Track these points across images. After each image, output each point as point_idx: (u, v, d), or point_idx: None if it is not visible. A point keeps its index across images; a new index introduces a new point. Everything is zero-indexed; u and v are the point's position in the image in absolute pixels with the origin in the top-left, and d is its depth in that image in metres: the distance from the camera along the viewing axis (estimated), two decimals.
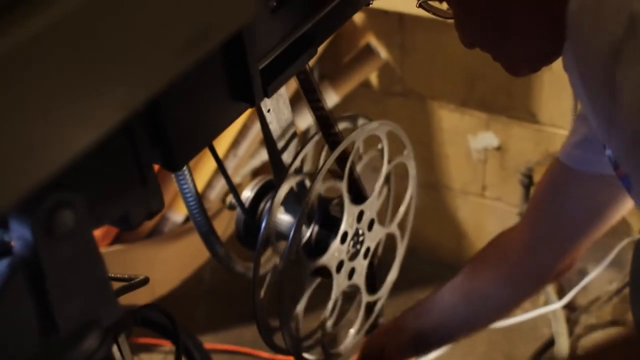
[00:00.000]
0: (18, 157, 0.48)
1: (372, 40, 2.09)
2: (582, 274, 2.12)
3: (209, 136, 0.89)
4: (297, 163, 1.14)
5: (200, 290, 2.28)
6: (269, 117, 1.15)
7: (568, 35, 0.83)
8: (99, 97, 0.51)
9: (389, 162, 1.24)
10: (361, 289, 1.28)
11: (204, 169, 1.96)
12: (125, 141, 0.76)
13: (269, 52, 0.89)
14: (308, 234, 1.20)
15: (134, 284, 0.96)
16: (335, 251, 1.20)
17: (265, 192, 1.26)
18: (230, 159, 2.01)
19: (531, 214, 1.25)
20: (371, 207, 1.23)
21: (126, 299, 0.84)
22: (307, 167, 1.22)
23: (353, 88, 2.09)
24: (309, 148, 1.17)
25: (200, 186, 1.99)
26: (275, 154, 1.19)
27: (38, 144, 0.49)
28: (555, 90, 1.95)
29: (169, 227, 2.01)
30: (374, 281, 1.32)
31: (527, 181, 2.06)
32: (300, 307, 1.22)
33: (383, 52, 2.10)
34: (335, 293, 1.24)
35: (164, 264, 2.03)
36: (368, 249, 1.26)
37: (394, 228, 1.30)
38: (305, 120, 1.98)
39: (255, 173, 2.15)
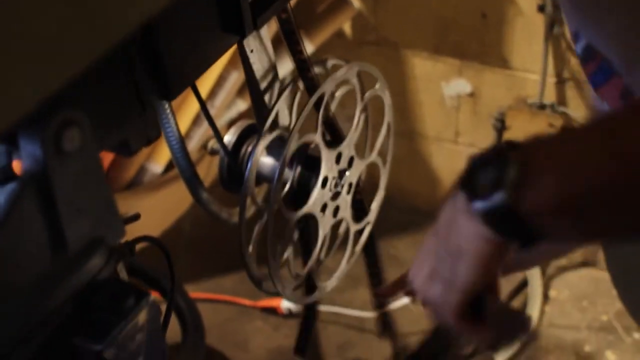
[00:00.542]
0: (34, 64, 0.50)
1: None
2: None
3: (201, 67, 0.92)
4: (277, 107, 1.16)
5: (180, 242, 2.31)
6: (252, 58, 1.17)
7: None
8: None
9: (362, 98, 1.26)
10: (348, 221, 1.31)
11: (181, 120, 1.97)
12: (124, 69, 0.78)
13: None
14: (290, 176, 1.23)
15: (125, 219, 0.99)
16: (317, 197, 1.22)
17: (247, 135, 1.28)
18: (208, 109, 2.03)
19: None
20: (349, 146, 1.25)
21: None
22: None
23: (327, 38, 2.11)
24: (289, 91, 1.20)
25: None
26: (258, 95, 1.22)
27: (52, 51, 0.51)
28: (527, 35, 1.99)
29: (148, 178, 2.03)
30: (360, 210, 1.34)
31: (500, 125, 2.10)
32: (288, 252, 1.24)
33: (356, 2, 2.12)
34: (322, 232, 1.28)
35: (144, 215, 2.04)
36: (350, 185, 1.29)
37: (374, 157, 1.32)
38: (282, 69, 1.99)
39: (231, 123, 2.17)
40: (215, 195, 1.39)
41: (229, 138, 1.27)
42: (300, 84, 1.21)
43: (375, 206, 1.38)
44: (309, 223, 1.25)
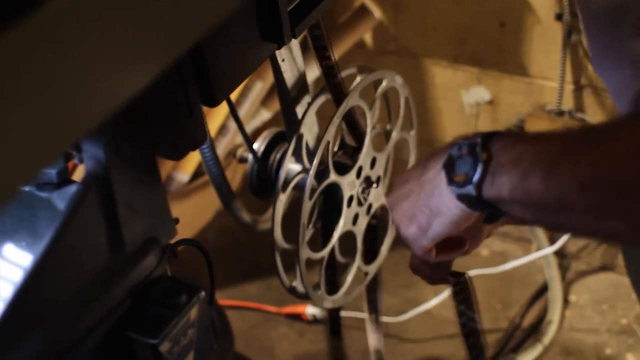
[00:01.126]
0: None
1: (366, 0, 2.15)
2: None
3: (242, 74, 0.96)
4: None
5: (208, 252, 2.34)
6: (283, 67, 1.21)
7: None
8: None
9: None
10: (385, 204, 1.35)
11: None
12: (175, 75, 0.82)
13: None
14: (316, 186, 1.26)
15: None
16: (347, 217, 1.27)
17: (276, 143, 1.31)
18: (232, 119, 2.07)
19: None
20: (367, 153, 1.28)
21: None
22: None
23: (349, 48, 2.15)
24: (322, 100, 1.23)
25: None
26: (288, 103, 1.25)
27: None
28: (545, 43, 2.03)
29: (175, 187, 2.06)
30: None
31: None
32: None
33: (377, 12, 2.16)
34: (360, 237, 1.32)
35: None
36: (379, 178, 1.32)
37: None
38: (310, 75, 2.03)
39: (256, 133, 2.21)
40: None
41: (257, 145, 1.30)
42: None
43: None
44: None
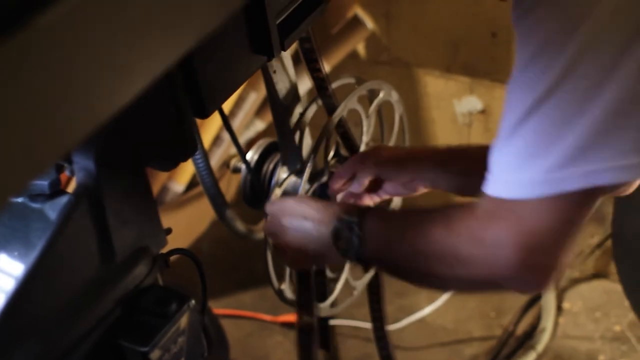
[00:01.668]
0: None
1: (359, 11, 2.17)
2: None
3: (232, 86, 0.97)
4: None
5: (201, 261, 2.35)
6: (274, 78, 1.22)
7: None
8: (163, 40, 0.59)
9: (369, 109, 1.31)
10: None
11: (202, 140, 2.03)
12: (166, 87, 0.84)
13: (285, 8, 0.98)
14: (310, 192, 1.28)
15: None
16: None
17: (269, 153, 1.32)
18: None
19: None
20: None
21: None
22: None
23: (342, 58, 2.17)
24: (312, 111, 1.24)
25: None
26: (280, 114, 1.26)
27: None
28: None
29: (170, 198, 2.08)
30: None
31: None
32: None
33: (369, 23, 2.18)
34: None
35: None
36: None
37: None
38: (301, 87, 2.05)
39: (250, 144, 2.22)
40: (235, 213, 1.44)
41: (251, 156, 1.31)
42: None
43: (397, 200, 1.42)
44: None
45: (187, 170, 2.01)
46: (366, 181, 1.19)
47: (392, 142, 1.37)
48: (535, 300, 2.18)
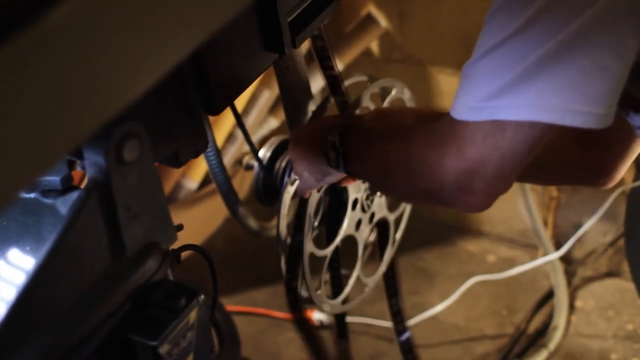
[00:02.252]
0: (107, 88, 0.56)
1: (373, 9, 2.18)
2: (577, 227, 2.21)
3: (243, 83, 0.98)
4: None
5: (213, 257, 2.36)
6: (287, 76, 1.23)
7: None
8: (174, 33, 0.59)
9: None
10: (387, 216, 1.36)
11: (215, 137, 2.03)
12: (176, 84, 0.85)
13: (296, 5, 0.98)
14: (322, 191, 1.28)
15: None
16: (350, 219, 1.28)
17: (281, 151, 1.33)
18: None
19: None
20: None
21: None
22: None
23: (355, 56, 2.17)
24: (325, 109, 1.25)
25: None
26: (292, 112, 1.27)
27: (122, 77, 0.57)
28: None
29: (184, 195, 2.09)
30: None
31: None
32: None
33: (383, 21, 2.18)
34: (361, 247, 1.33)
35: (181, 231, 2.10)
36: None
37: None
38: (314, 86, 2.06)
39: (264, 141, 2.23)
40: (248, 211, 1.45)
41: (263, 153, 1.32)
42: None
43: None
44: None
45: (200, 167, 2.02)
46: None
47: None
48: (547, 298, 2.18)
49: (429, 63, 2.22)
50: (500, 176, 0.87)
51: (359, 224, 1.31)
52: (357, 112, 1.25)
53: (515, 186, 2.17)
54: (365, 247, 1.37)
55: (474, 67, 0.85)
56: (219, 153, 1.33)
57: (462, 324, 2.14)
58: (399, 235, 1.44)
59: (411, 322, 2.10)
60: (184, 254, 0.96)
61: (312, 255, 1.24)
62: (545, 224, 2.28)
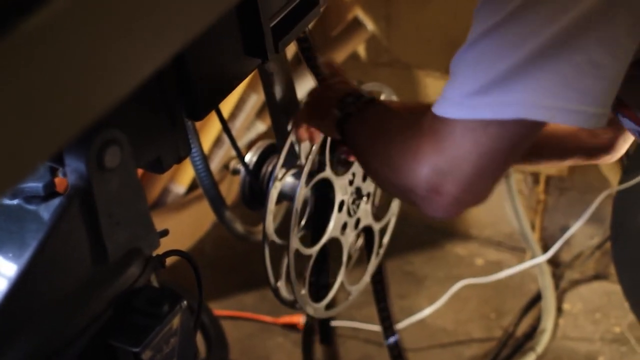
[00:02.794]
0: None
1: (359, 13, 2.18)
2: (564, 230, 2.21)
3: (226, 89, 0.98)
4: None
5: (201, 261, 2.36)
6: (272, 80, 1.23)
7: None
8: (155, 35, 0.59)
9: None
10: (372, 225, 1.36)
11: (202, 141, 2.03)
12: (157, 90, 0.85)
13: (279, 11, 0.98)
14: (309, 195, 1.28)
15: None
16: (336, 221, 1.28)
17: (267, 156, 1.33)
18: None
19: None
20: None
21: None
22: None
23: (342, 60, 2.17)
24: None
25: None
26: (278, 116, 1.27)
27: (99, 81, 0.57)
28: None
29: (172, 199, 2.09)
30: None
31: None
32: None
33: (370, 24, 2.19)
34: (346, 250, 1.33)
35: (167, 236, 2.10)
36: (369, 194, 1.34)
37: None
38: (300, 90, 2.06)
39: (250, 145, 2.22)
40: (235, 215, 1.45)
41: (250, 157, 1.32)
42: None
43: (395, 205, 1.42)
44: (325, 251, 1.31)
45: (188, 171, 2.02)
46: None
47: None
48: (535, 301, 2.19)
49: (416, 67, 2.22)
50: (475, 180, 0.83)
51: (344, 227, 1.32)
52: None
53: (503, 189, 2.18)
54: (350, 256, 1.37)
55: (460, 60, 0.83)
56: (205, 158, 1.33)
57: (451, 328, 2.14)
58: (386, 239, 1.44)
59: (399, 325, 2.10)
60: (174, 258, 0.95)
61: (297, 253, 1.24)
62: (533, 227, 2.29)
